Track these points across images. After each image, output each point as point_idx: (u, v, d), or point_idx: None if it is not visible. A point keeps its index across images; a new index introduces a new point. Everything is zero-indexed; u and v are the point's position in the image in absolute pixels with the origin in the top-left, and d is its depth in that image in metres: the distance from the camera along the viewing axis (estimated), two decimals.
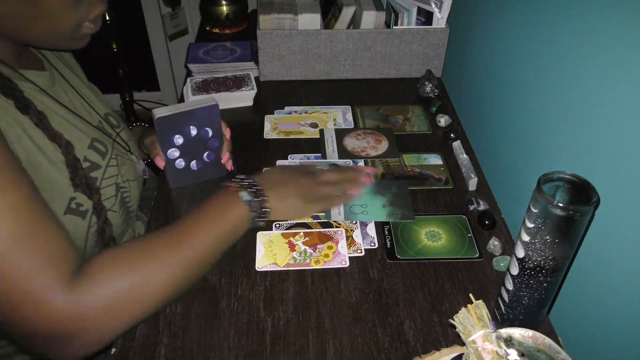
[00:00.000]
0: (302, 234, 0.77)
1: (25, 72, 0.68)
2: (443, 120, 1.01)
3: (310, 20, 1.11)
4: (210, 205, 0.68)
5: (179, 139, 0.78)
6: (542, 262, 0.55)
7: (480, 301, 0.53)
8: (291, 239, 0.76)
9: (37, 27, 0.64)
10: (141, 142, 0.90)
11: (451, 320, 0.52)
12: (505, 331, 0.52)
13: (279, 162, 0.91)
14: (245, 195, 0.68)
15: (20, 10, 0.61)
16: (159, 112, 0.75)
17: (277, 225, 0.78)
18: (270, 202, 0.70)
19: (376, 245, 0.75)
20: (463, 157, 0.91)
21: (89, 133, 0.75)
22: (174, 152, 0.79)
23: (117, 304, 0.55)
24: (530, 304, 0.59)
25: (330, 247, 0.75)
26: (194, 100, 0.83)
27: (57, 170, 0.66)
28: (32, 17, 0.62)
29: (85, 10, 0.66)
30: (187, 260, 0.61)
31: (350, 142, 0.96)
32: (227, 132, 0.84)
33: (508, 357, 0.51)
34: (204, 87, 1.06)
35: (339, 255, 0.74)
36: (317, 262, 0.73)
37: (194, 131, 0.78)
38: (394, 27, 1.12)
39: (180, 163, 0.81)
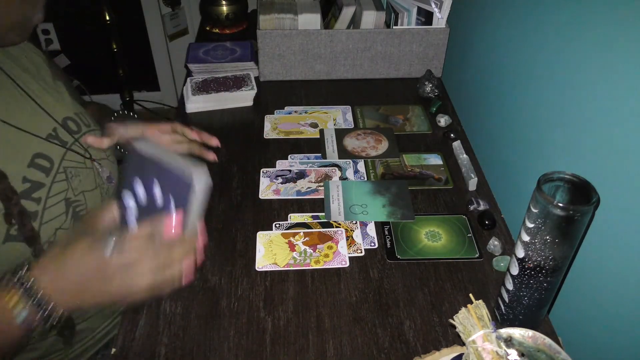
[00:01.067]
0: (302, 234, 0.77)
1: None
2: (443, 120, 1.01)
3: (310, 20, 1.11)
4: None
5: (139, 189, 0.56)
6: (542, 262, 0.55)
7: (480, 301, 0.53)
8: (291, 239, 0.76)
9: None
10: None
11: (451, 320, 0.52)
12: (505, 331, 0.52)
13: (279, 162, 0.91)
14: (22, 314, 0.51)
15: None
16: (140, 145, 0.56)
17: (277, 226, 0.78)
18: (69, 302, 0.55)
19: (376, 245, 0.75)
20: (463, 157, 0.91)
21: (33, 147, 0.69)
22: (128, 200, 0.57)
23: None
24: (530, 304, 0.59)
25: (330, 247, 0.75)
26: (187, 163, 0.54)
27: None
28: None
29: (34, 2, 0.64)
30: None
31: (350, 142, 0.96)
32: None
33: (508, 357, 0.51)
34: (204, 87, 1.06)
35: (339, 255, 0.74)
36: (317, 262, 0.73)
37: (157, 193, 0.55)
38: (394, 27, 1.12)
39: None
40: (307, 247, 0.75)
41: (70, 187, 0.72)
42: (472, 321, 0.51)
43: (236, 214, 0.80)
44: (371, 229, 0.78)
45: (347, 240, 0.76)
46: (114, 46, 2.02)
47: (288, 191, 0.85)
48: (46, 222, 0.67)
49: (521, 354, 0.51)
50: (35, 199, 0.67)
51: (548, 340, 0.52)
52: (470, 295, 0.54)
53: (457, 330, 0.52)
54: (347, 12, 1.15)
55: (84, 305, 0.57)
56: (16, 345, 0.55)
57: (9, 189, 0.63)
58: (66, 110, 0.78)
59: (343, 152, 0.94)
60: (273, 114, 1.05)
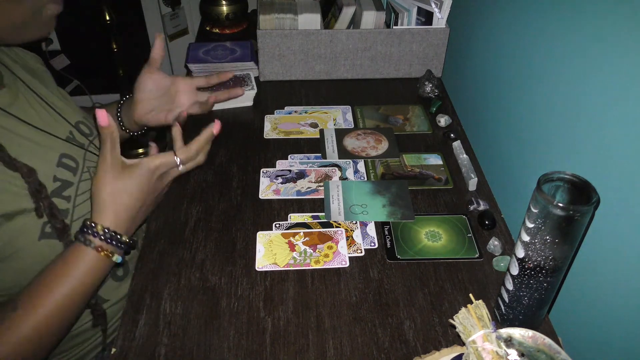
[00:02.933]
0: (302, 234, 0.77)
1: None
2: (443, 120, 1.01)
3: (310, 20, 1.11)
4: (77, 272, 0.61)
5: None
6: (542, 262, 0.55)
7: (480, 301, 0.53)
8: (291, 239, 0.76)
9: None
10: (131, 118, 0.86)
11: (451, 320, 0.52)
12: (505, 331, 0.52)
13: (279, 162, 0.91)
14: (119, 258, 0.64)
15: None
16: None
17: (277, 226, 0.78)
18: (129, 234, 0.66)
19: (376, 245, 0.76)
20: (463, 157, 0.91)
21: (57, 149, 0.71)
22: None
23: None
24: (530, 304, 0.59)
25: (330, 247, 0.75)
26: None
27: (23, 201, 0.64)
28: None
29: None
30: (64, 330, 0.62)
31: (350, 142, 0.96)
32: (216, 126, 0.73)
33: (508, 357, 0.51)
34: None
35: (339, 255, 0.74)
36: (317, 262, 0.73)
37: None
38: (394, 27, 1.12)
39: None
40: (307, 247, 0.75)
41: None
42: (472, 321, 0.51)
43: (236, 214, 0.80)
44: (371, 229, 0.78)
45: (347, 240, 0.76)
46: (114, 46, 2.01)
47: (288, 191, 0.85)
48: (76, 220, 0.71)
49: (521, 354, 0.51)
50: (66, 197, 0.70)
51: (548, 340, 0.52)
52: (470, 295, 0.54)
53: (457, 330, 0.52)
54: (347, 12, 1.15)
55: (141, 218, 0.68)
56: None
57: (37, 183, 0.65)
58: (76, 114, 0.81)
59: (343, 152, 0.94)
60: (273, 114, 1.05)
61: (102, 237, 0.62)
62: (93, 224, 0.62)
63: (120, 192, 0.63)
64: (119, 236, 0.63)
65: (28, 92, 0.73)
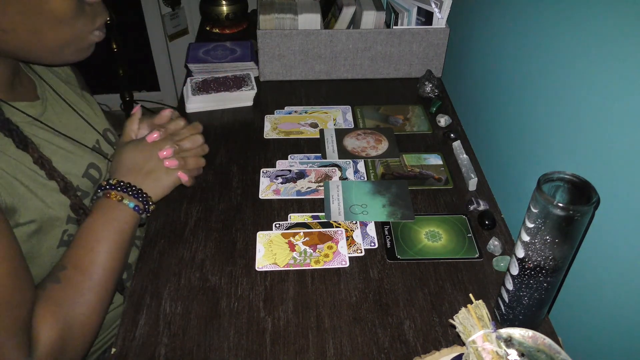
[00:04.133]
0: (302, 234, 0.77)
1: (16, 104, 0.66)
2: (443, 120, 1.01)
3: (310, 20, 1.11)
4: (99, 222, 0.66)
5: None
6: (542, 262, 0.55)
7: (480, 301, 0.53)
8: (291, 239, 0.76)
9: (42, 40, 0.61)
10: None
11: (451, 320, 0.52)
12: (505, 331, 0.52)
13: (279, 162, 0.91)
14: (130, 202, 0.68)
15: (24, 21, 0.58)
16: None
17: (277, 226, 0.78)
18: (148, 192, 0.70)
19: (376, 245, 0.76)
20: (463, 157, 0.91)
21: (85, 158, 0.73)
22: None
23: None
24: (530, 304, 0.59)
25: (330, 247, 0.75)
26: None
27: (54, 206, 0.66)
28: (36, 29, 0.59)
29: (89, 19, 0.64)
30: (106, 281, 0.64)
31: (350, 142, 0.96)
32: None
33: (508, 357, 0.51)
34: (204, 87, 1.06)
35: (339, 255, 0.74)
36: (317, 262, 0.73)
37: None
38: (394, 27, 1.12)
39: None
40: (307, 247, 0.75)
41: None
42: (472, 321, 0.51)
43: (236, 214, 0.80)
44: (371, 229, 0.78)
45: (347, 240, 0.76)
46: (114, 46, 2.02)
47: (288, 191, 0.85)
48: None
49: (521, 354, 0.51)
50: (85, 208, 0.71)
51: (548, 340, 0.52)
52: (470, 295, 0.54)
53: (457, 330, 0.52)
54: (347, 12, 1.15)
55: (157, 178, 0.72)
56: (137, 223, 0.70)
57: (72, 189, 0.69)
58: (103, 122, 0.83)
59: (343, 152, 0.94)
60: (273, 114, 1.05)
61: (113, 187, 0.68)
62: (108, 181, 0.69)
63: (122, 157, 0.72)
64: (128, 184, 0.69)
65: (58, 100, 0.74)
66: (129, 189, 0.68)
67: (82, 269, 0.62)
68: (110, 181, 0.69)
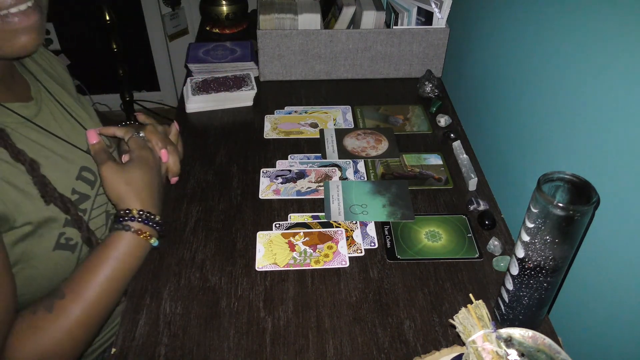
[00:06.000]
0: (302, 234, 0.77)
1: (9, 105, 0.65)
2: (443, 120, 1.01)
3: (310, 20, 1.11)
4: (127, 262, 0.64)
5: None
6: (542, 262, 0.55)
7: (480, 301, 0.53)
8: (291, 239, 0.76)
9: None
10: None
11: (451, 320, 0.52)
12: (505, 331, 0.52)
13: (279, 162, 0.91)
14: (156, 242, 0.67)
15: None
16: None
17: (277, 226, 0.78)
18: (158, 210, 0.69)
19: (376, 245, 0.76)
20: (463, 157, 0.91)
21: (78, 162, 0.72)
22: None
23: None
24: (530, 304, 0.59)
25: (330, 247, 0.75)
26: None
27: (50, 206, 0.65)
28: None
29: None
30: (100, 319, 0.63)
31: (350, 142, 0.96)
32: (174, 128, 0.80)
33: (508, 357, 0.51)
34: (204, 87, 1.06)
35: (339, 255, 0.74)
36: (317, 262, 0.73)
37: None
38: (394, 27, 1.12)
39: None
40: (307, 247, 0.75)
41: (108, 200, 0.74)
42: (472, 321, 0.51)
43: (236, 214, 0.80)
44: (371, 229, 0.78)
45: (347, 240, 0.76)
46: (114, 46, 2.02)
47: (288, 191, 0.85)
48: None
49: (521, 354, 0.51)
50: (82, 210, 0.70)
51: (548, 340, 0.52)
52: (470, 295, 0.54)
53: (457, 330, 0.52)
54: (347, 12, 1.15)
55: (160, 198, 0.71)
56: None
57: (59, 194, 0.67)
58: (96, 125, 0.81)
59: (343, 152, 0.94)
60: (273, 114, 1.05)
61: (140, 219, 0.65)
62: (127, 210, 0.65)
63: (133, 179, 0.67)
64: (152, 216, 0.67)
65: (52, 102, 0.73)
66: (157, 225, 0.67)
67: (83, 304, 0.60)
68: (140, 212, 0.66)
